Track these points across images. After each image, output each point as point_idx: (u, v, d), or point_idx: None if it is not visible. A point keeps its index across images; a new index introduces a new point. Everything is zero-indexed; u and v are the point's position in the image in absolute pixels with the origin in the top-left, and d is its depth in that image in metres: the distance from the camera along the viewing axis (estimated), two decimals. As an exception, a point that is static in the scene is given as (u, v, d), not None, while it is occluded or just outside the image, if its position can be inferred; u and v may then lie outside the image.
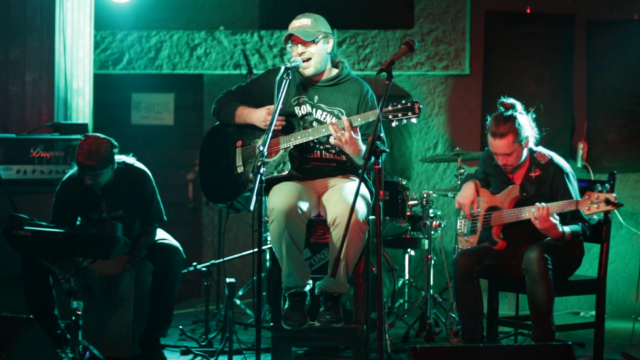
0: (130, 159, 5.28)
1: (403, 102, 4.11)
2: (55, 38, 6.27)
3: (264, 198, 4.69)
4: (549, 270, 4.50)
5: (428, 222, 5.88)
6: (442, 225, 5.98)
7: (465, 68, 7.24)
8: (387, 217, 5.73)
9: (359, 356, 4.46)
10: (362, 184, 4.17)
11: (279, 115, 4.38)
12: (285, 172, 4.48)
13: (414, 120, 4.08)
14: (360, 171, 4.40)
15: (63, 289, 4.80)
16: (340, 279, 4.35)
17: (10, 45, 6.29)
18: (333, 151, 4.57)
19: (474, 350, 3.61)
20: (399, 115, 4.09)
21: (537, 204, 4.53)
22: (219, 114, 4.76)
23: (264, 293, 6.05)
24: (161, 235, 5.36)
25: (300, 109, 4.61)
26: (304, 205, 4.40)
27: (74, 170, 5.15)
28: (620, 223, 6.79)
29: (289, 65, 4.43)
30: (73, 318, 4.65)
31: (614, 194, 4.40)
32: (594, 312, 5.17)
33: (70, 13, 6.39)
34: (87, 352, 4.79)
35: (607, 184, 4.69)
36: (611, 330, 6.11)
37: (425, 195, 5.89)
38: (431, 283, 5.83)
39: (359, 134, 4.36)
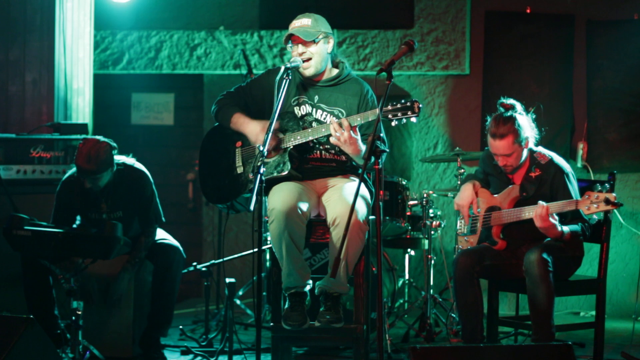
0: (130, 160, 5.27)
1: (402, 101, 4.11)
2: (55, 38, 6.27)
3: (264, 198, 4.69)
4: (550, 273, 4.50)
5: (428, 222, 5.89)
6: (442, 225, 5.98)
7: (465, 68, 7.24)
8: (387, 217, 5.73)
9: (359, 356, 4.46)
10: (362, 184, 4.17)
11: (279, 114, 4.36)
12: (285, 172, 4.48)
13: (413, 119, 4.08)
14: (360, 171, 4.40)
15: (63, 289, 4.80)
16: (340, 279, 4.35)
17: (10, 45, 6.29)
18: (333, 151, 4.57)
19: (474, 350, 3.61)
20: (399, 114, 4.09)
21: (540, 202, 4.52)
22: (216, 117, 4.76)
23: (264, 293, 6.05)
24: (161, 235, 5.36)
25: (300, 109, 4.61)
26: (304, 206, 4.40)
27: (73, 170, 5.15)
28: (620, 223, 6.79)
29: (289, 65, 4.43)
30: (73, 318, 4.65)
31: (614, 194, 4.40)
32: (594, 312, 5.17)
33: (70, 13, 6.39)
34: (87, 352, 4.79)
35: (607, 184, 4.69)
36: (611, 330, 6.11)
37: (425, 195, 5.89)
38: (431, 283, 5.83)
39: (359, 133, 4.36)
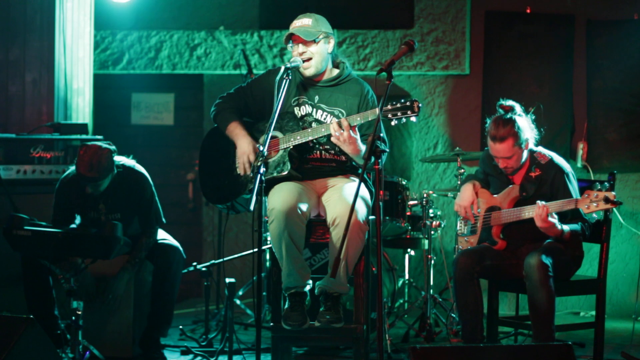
0: (130, 162, 5.27)
1: (402, 101, 4.10)
2: (55, 38, 6.27)
3: (263, 198, 4.69)
4: (550, 277, 4.49)
5: (428, 222, 5.88)
6: (442, 225, 5.98)
7: (465, 68, 7.24)
8: (387, 217, 5.73)
9: (359, 356, 4.46)
10: (362, 184, 4.17)
11: (279, 115, 4.36)
12: (285, 173, 4.48)
13: (413, 119, 4.08)
14: (360, 171, 4.40)
15: (63, 289, 4.80)
16: (340, 279, 4.35)
17: (10, 45, 6.29)
18: (333, 151, 4.57)
19: (474, 350, 3.61)
20: (399, 114, 4.09)
21: (538, 201, 4.53)
22: (215, 119, 4.76)
23: (264, 293, 6.04)
24: (161, 235, 5.35)
25: (300, 110, 4.61)
26: (304, 206, 4.40)
27: (72, 169, 5.14)
28: (620, 223, 6.79)
29: (289, 65, 4.43)
30: (73, 318, 4.65)
31: (613, 192, 4.40)
32: (594, 312, 5.17)
33: (70, 13, 6.39)
34: (87, 352, 4.79)
35: (606, 183, 4.69)
36: (611, 330, 6.11)
37: (425, 195, 5.89)
38: (431, 283, 5.83)
39: (358, 133, 4.36)
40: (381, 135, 4.07)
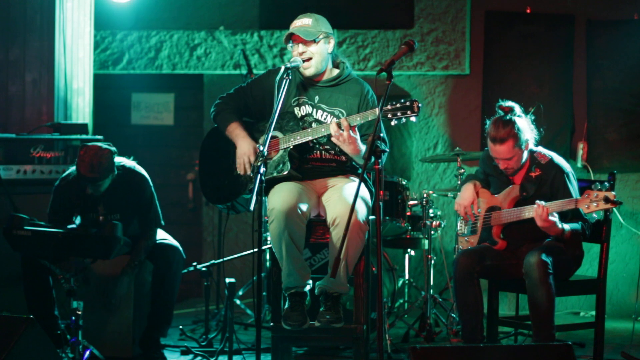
0: (131, 163, 5.27)
1: (402, 101, 4.10)
2: (55, 38, 6.27)
3: (264, 198, 4.69)
4: (550, 275, 4.50)
5: (428, 222, 5.88)
6: (442, 225, 5.97)
7: (465, 68, 7.24)
8: (387, 217, 5.73)
9: (359, 356, 4.45)
10: (362, 184, 4.16)
11: (279, 115, 4.36)
12: (285, 173, 4.48)
13: (413, 119, 4.08)
14: (360, 171, 4.40)
15: (63, 289, 4.80)
16: (340, 279, 4.35)
17: (10, 45, 6.29)
18: (333, 151, 4.57)
19: (474, 350, 3.61)
20: (398, 114, 4.09)
21: (538, 201, 4.53)
22: (215, 120, 4.76)
23: (264, 293, 6.04)
24: (161, 235, 5.35)
25: (300, 110, 4.61)
26: (304, 206, 4.40)
27: (73, 169, 5.14)
28: (620, 223, 6.79)
29: (289, 65, 4.43)
30: (73, 318, 4.65)
31: (613, 192, 4.40)
32: (594, 312, 5.17)
33: (70, 13, 6.39)
34: (87, 352, 4.79)
35: (606, 183, 4.69)
36: (611, 330, 6.11)
37: (425, 195, 5.89)
38: (431, 283, 5.82)
39: (358, 133, 4.36)
40: (381, 135, 4.07)
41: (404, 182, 5.85)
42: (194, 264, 5.85)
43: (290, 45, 4.55)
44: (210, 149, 4.82)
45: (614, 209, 4.49)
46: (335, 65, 4.66)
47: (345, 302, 5.09)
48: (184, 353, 5.45)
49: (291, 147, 4.50)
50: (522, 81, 7.12)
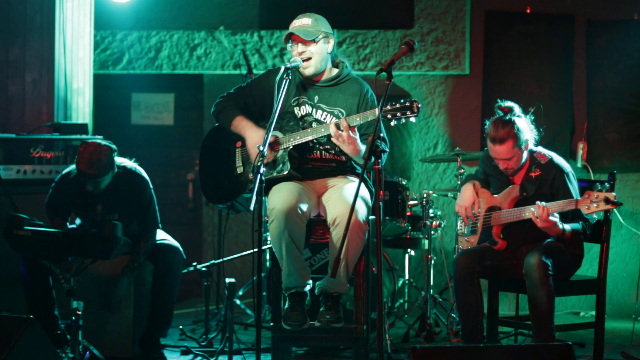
0: (132, 164, 5.27)
1: (402, 101, 4.10)
2: (55, 38, 6.27)
3: (263, 198, 4.69)
4: (550, 276, 4.50)
5: (428, 222, 5.88)
6: (442, 225, 5.97)
7: (465, 68, 7.24)
8: (387, 217, 5.73)
9: (359, 356, 4.45)
10: (362, 184, 4.16)
11: (278, 114, 4.36)
12: (285, 173, 4.48)
13: (412, 119, 4.07)
14: (360, 171, 4.40)
15: (63, 289, 4.80)
16: (340, 279, 4.35)
17: (10, 45, 6.29)
18: (333, 151, 4.57)
19: (474, 350, 3.61)
20: (398, 114, 4.08)
21: (538, 202, 4.53)
22: (217, 118, 4.75)
23: (264, 293, 6.04)
24: (161, 235, 5.35)
25: (300, 110, 4.61)
26: (304, 206, 4.40)
27: (73, 167, 5.14)
28: (620, 223, 6.79)
29: (289, 65, 4.43)
30: (73, 318, 4.65)
31: (614, 193, 4.40)
32: (594, 312, 5.17)
33: (70, 13, 6.39)
34: (87, 352, 4.79)
35: (606, 184, 4.69)
36: (611, 330, 6.11)
37: (425, 195, 5.89)
38: (431, 283, 5.82)
39: (357, 133, 4.36)
40: (381, 135, 4.06)
41: (404, 182, 5.85)
42: (194, 264, 5.85)
43: (289, 45, 4.55)
44: (210, 149, 4.82)
45: (614, 209, 4.48)
46: (335, 65, 4.66)
47: (345, 302, 5.09)
48: (184, 353, 5.45)
49: (291, 147, 4.50)
50: (522, 81, 7.12)
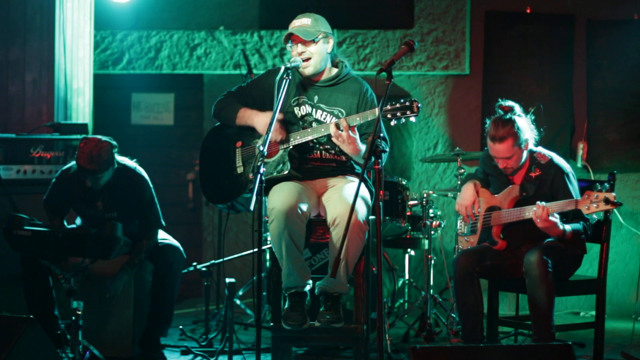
0: (132, 163, 5.27)
1: (402, 101, 4.10)
2: (55, 38, 6.27)
3: (264, 198, 4.69)
4: (549, 274, 4.50)
5: (428, 222, 5.88)
6: (442, 225, 5.97)
7: (465, 68, 7.24)
8: (387, 217, 5.73)
9: (359, 356, 4.46)
10: (362, 184, 4.16)
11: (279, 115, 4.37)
12: (285, 172, 4.48)
13: (412, 119, 4.07)
14: (360, 171, 4.40)
15: (63, 289, 4.80)
16: (340, 279, 4.35)
17: (10, 45, 6.29)
18: (333, 151, 4.57)
19: (474, 350, 3.61)
20: (398, 114, 4.08)
21: (538, 202, 4.53)
22: (219, 116, 4.75)
23: (264, 293, 6.04)
24: (161, 235, 5.35)
25: (300, 110, 4.61)
26: (304, 205, 4.40)
27: (73, 163, 5.13)
28: (620, 223, 6.79)
29: (289, 65, 4.43)
30: (73, 318, 4.65)
31: (613, 193, 4.40)
32: (594, 312, 5.17)
33: (70, 13, 6.39)
34: (87, 352, 4.79)
35: (606, 184, 4.68)
36: (611, 330, 6.11)
37: (425, 195, 5.89)
38: (431, 283, 5.82)
39: (357, 133, 4.36)
40: (381, 135, 4.06)
41: (404, 182, 5.85)
42: (194, 264, 5.85)
43: (289, 45, 4.55)
44: (210, 149, 4.82)
45: (614, 209, 4.48)
46: (335, 64, 4.66)
47: (345, 302, 5.09)
48: (184, 353, 5.45)
49: (291, 147, 4.50)
50: (522, 81, 7.12)
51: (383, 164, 3.94)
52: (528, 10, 7.12)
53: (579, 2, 7.06)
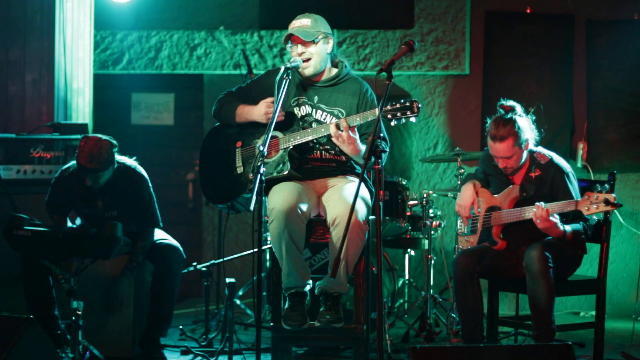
0: (132, 162, 5.27)
1: (402, 101, 4.10)
2: (55, 38, 6.27)
3: (264, 198, 4.69)
4: (550, 269, 4.50)
5: (428, 222, 5.88)
6: (442, 225, 5.97)
7: (465, 68, 7.24)
8: (387, 217, 5.73)
9: (359, 356, 4.46)
10: (362, 184, 4.16)
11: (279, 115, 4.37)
12: (285, 173, 4.48)
13: (412, 119, 4.07)
14: (360, 171, 4.40)
15: (63, 289, 4.80)
16: (340, 279, 4.35)
17: (10, 45, 6.29)
18: (333, 151, 4.57)
19: (474, 350, 3.61)
20: (398, 114, 4.08)
21: (538, 203, 4.53)
22: (219, 115, 4.75)
23: (264, 293, 6.05)
24: (161, 235, 5.35)
25: (300, 110, 4.61)
26: (304, 206, 4.40)
27: (73, 162, 5.13)
28: (620, 223, 6.79)
29: (288, 65, 4.43)
30: (73, 318, 4.65)
31: (614, 194, 4.40)
32: (594, 312, 5.17)
33: (70, 13, 6.39)
34: (87, 352, 4.79)
35: (606, 184, 4.69)
36: (611, 330, 6.11)
37: (425, 195, 5.89)
38: (431, 283, 5.82)
39: (357, 133, 4.36)
40: (381, 135, 4.06)
41: (404, 182, 5.85)
42: (194, 264, 5.85)
43: (289, 45, 4.55)
44: (210, 149, 4.82)
45: (614, 210, 4.48)
46: (334, 64, 4.66)
47: (345, 302, 5.09)
48: (184, 353, 5.45)
49: (291, 147, 4.50)
50: (522, 81, 7.12)
51: (383, 164, 3.94)
52: (528, 10, 7.12)
53: (579, 2, 7.06)
